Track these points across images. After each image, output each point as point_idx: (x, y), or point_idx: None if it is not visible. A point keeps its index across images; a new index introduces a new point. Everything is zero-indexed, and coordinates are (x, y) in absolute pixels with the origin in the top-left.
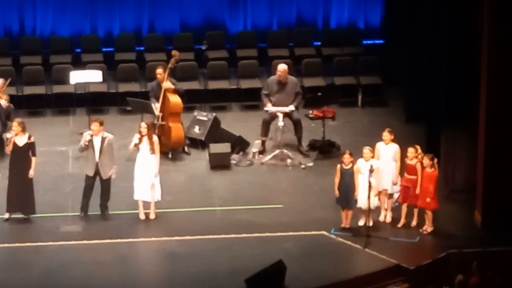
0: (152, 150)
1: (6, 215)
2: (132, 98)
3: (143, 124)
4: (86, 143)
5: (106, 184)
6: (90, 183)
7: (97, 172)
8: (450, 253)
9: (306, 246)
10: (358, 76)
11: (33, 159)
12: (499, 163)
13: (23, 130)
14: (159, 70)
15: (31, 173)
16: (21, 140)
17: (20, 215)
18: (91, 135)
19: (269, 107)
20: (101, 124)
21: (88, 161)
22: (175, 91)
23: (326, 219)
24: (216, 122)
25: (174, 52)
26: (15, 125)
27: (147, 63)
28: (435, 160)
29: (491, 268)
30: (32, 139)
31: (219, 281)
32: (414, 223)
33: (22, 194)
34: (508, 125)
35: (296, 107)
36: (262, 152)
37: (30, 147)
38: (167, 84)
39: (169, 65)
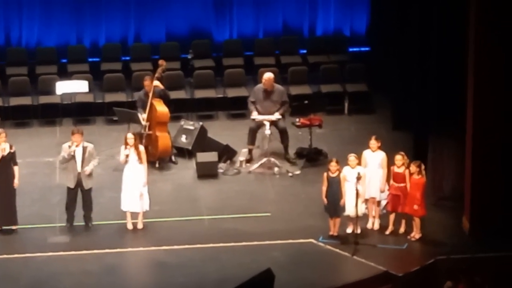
0: (140, 160)
1: None
2: (119, 108)
3: (130, 135)
4: (72, 153)
5: (87, 195)
6: (72, 195)
7: (78, 183)
8: (438, 259)
9: (294, 254)
10: (345, 84)
11: (16, 168)
12: (486, 169)
13: (6, 139)
14: (147, 82)
15: (16, 182)
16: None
17: (8, 227)
18: (70, 145)
19: (255, 115)
20: (82, 134)
21: (68, 173)
22: (164, 94)
23: (314, 227)
24: (203, 131)
25: (161, 62)
26: (3, 136)
27: (133, 72)
28: (422, 167)
29: (479, 274)
30: (13, 149)
31: None
32: (402, 230)
33: (5, 205)
34: (495, 131)
35: (283, 116)
36: (249, 160)
37: (12, 157)
38: (156, 82)
39: (156, 75)
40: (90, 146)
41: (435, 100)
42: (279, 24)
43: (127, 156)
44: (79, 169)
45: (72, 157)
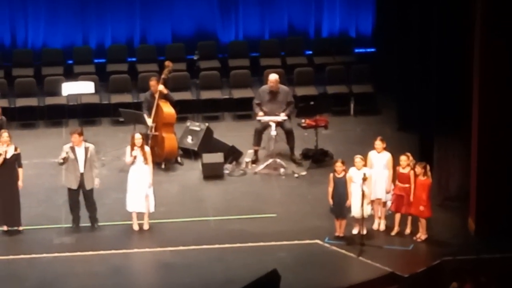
0: (145, 161)
1: (5, 227)
2: (125, 109)
3: (138, 136)
4: (65, 158)
5: (90, 195)
6: (75, 197)
7: (80, 184)
8: (444, 260)
9: (300, 255)
10: (350, 85)
11: (20, 170)
12: (492, 170)
13: (11, 141)
14: (153, 82)
15: (21, 184)
16: (9, 151)
17: (14, 227)
18: (72, 147)
19: (261, 117)
20: (80, 134)
21: (69, 174)
22: (168, 98)
23: (320, 227)
24: (208, 132)
25: (167, 63)
26: (5, 135)
27: (139, 74)
28: (428, 168)
29: (485, 275)
30: (18, 150)
31: None
32: (407, 231)
33: (9, 206)
34: (501, 132)
35: (289, 116)
36: (255, 161)
37: (16, 159)
38: (160, 87)
39: (163, 76)
40: (91, 147)
41: (439, 100)
42: (284, 25)
43: (135, 157)
44: (81, 170)
45: (63, 163)
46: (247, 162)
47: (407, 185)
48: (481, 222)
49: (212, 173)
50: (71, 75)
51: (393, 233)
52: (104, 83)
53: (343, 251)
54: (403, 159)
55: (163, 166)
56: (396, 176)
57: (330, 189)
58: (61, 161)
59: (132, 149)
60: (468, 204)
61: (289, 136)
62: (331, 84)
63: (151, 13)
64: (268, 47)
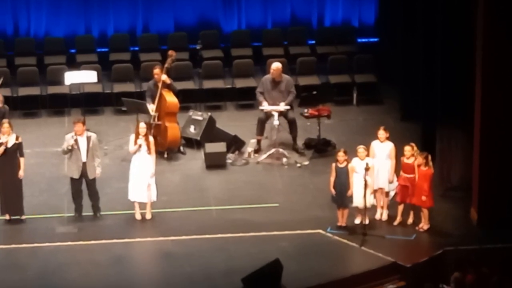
0: (149, 150)
1: (7, 216)
2: (127, 98)
3: (143, 125)
4: (73, 145)
5: (93, 185)
6: (77, 186)
7: (83, 173)
8: (447, 250)
9: (303, 245)
10: (353, 74)
11: (22, 159)
12: (494, 160)
13: (12, 130)
14: (156, 70)
15: (21, 173)
16: (10, 141)
17: (16, 216)
18: (75, 135)
19: (264, 106)
20: (83, 123)
21: (71, 163)
22: (170, 87)
23: (322, 217)
24: (211, 121)
25: (170, 52)
26: (6, 126)
27: (141, 63)
28: (429, 158)
29: (487, 265)
30: (20, 140)
31: (215, 281)
32: (410, 221)
33: (11, 195)
34: (503, 122)
35: (291, 106)
36: (257, 151)
37: (18, 148)
38: (163, 77)
39: (166, 65)
40: (93, 136)
41: (442, 91)
42: (287, 15)
43: (140, 146)
44: (83, 159)
45: (71, 150)
46: (249, 152)
47: (411, 175)
48: (483, 213)
49: (215, 163)
50: (73, 64)
51: (395, 223)
52: (107, 72)
53: (345, 241)
54: (407, 149)
55: (165, 155)
56: (400, 166)
57: (332, 179)
58: (70, 147)
59: (137, 137)
60: (470, 194)
61: (292, 125)
62: (334, 73)
63: (153, 2)
64: (270, 37)
